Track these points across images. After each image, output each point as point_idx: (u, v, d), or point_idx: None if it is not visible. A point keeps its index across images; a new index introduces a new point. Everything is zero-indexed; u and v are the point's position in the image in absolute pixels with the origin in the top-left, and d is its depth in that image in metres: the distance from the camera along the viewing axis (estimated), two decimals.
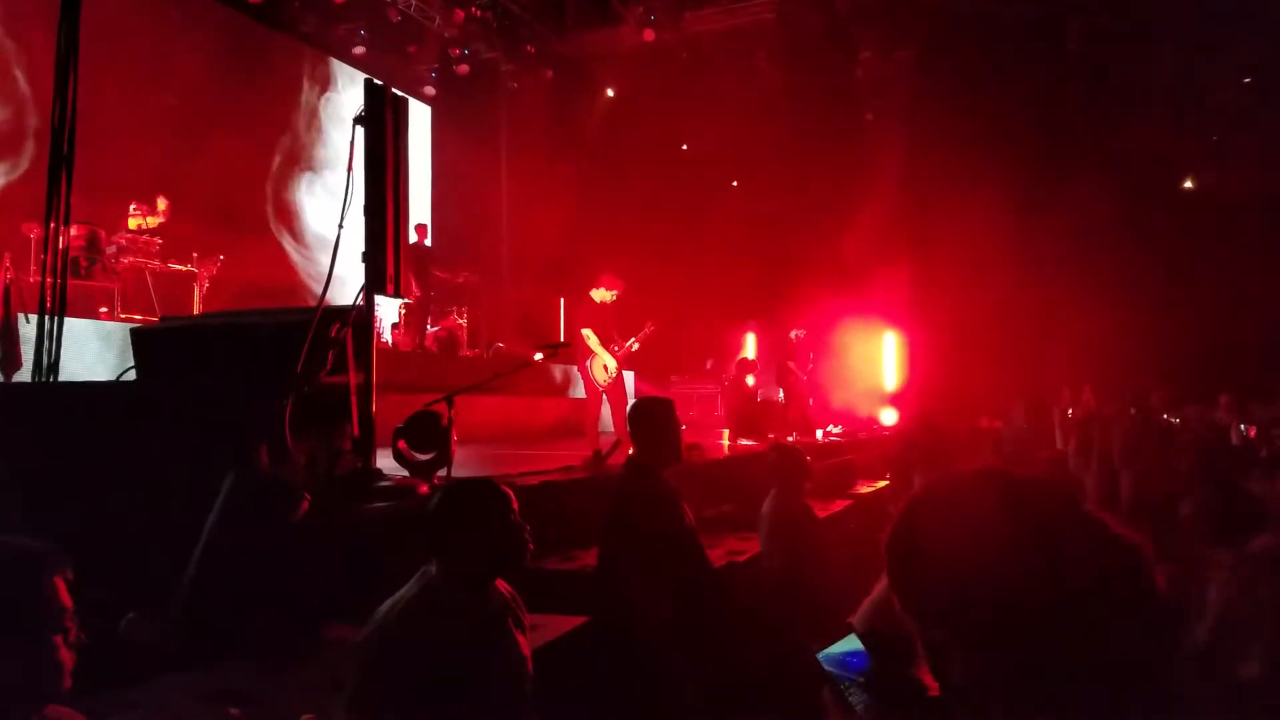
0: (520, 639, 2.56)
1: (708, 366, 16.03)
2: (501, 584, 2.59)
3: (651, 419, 3.93)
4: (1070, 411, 10.51)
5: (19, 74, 9.69)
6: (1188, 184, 17.09)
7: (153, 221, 9.41)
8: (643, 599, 3.50)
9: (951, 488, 1.10)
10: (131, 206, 9.33)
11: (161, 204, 9.53)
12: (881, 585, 1.89)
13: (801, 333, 12.49)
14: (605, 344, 7.70)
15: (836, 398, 15.37)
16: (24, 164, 9.61)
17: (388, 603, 2.43)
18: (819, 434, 12.04)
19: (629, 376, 15.60)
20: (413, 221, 9.25)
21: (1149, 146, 15.06)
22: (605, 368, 7.71)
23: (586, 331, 7.80)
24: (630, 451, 4.03)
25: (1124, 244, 15.56)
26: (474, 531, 2.44)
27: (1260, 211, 14.76)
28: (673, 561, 3.59)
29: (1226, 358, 12.99)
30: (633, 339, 7.97)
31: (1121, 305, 14.72)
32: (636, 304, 15.62)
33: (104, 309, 8.57)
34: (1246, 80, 15.36)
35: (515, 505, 2.52)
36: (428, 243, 11.59)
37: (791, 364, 12.21)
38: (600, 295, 7.85)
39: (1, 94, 9.59)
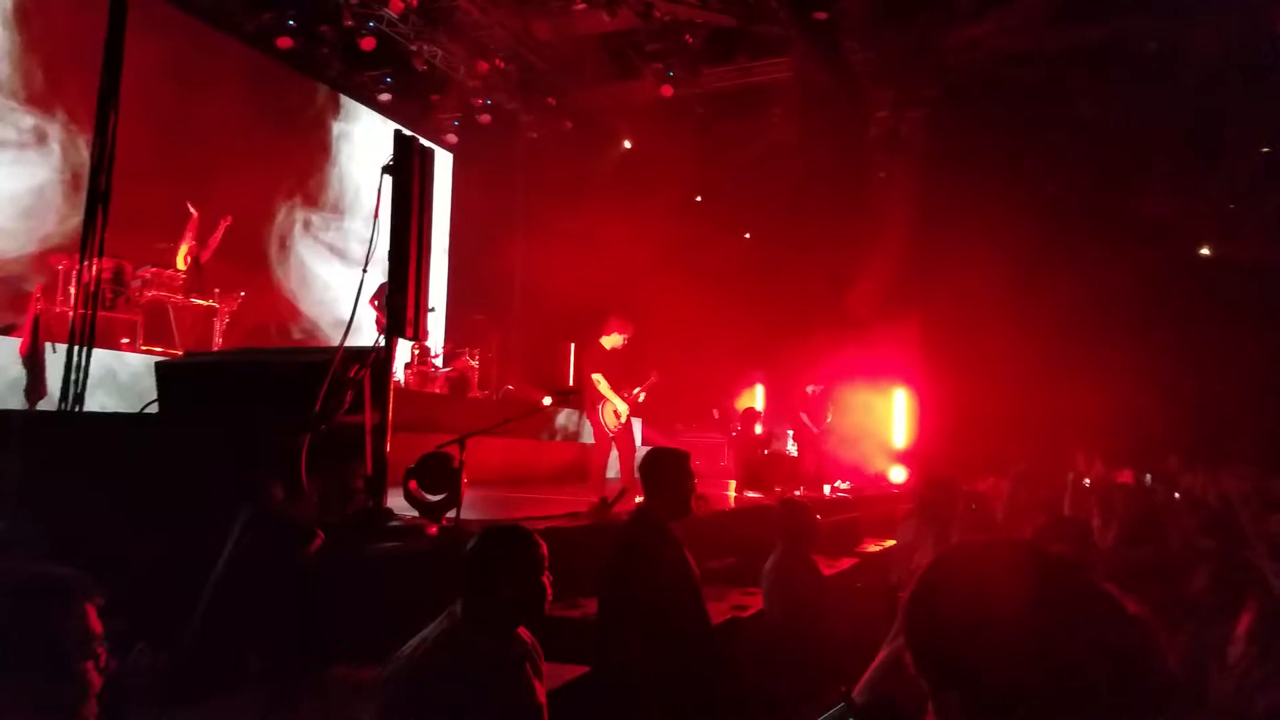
0: (538, 686, 2.60)
1: (714, 416, 16.06)
2: (523, 630, 2.65)
3: (664, 470, 3.93)
4: (1087, 480, 10.50)
5: (59, 116, 9.95)
6: (1204, 251, 17.18)
7: (196, 252, 9.71)
8: (640, 651, 3.51)
9: (977, 553, 1.14)
10: (184, 243, 9.60)
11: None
12: (885, 653, 1.93)
13: (818, 388, 12.55)
14: (616, 389, 7.70)
15: (845, 454, 15.38)
16: (57, 201, 9.85)
17: (412, 642, 2.47)
18: (826, 489, 12.03)
19: (636, 424, 15.66)
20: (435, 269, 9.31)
21: (1164, 211, 15.18)
22: (616, 413, 7.72)
23: (597, 376, 7.79)
24: (638, 501, 4.06)
25: (1137, 308, 15.64)
26: (509, 577, 2.50)
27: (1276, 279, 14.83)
28: (672, 616, 3.60)
29: (1239, 425, 12.95)
30: (638, 388, 8.01)
31: (1133, 369, 14.76)
32: (647, 351, 15.76)
33: (125, 340, 8.71)
34: (1265, 150, 15.52)
35: (546, 556, 2.59)
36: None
37: (806, 417, 12.26)
38: (610, 341, 7.88)
39: (41, 135, 9.87)
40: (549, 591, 2.58)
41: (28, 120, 9.76)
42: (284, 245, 13.16)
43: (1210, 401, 14.27)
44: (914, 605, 1.11)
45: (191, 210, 9.80)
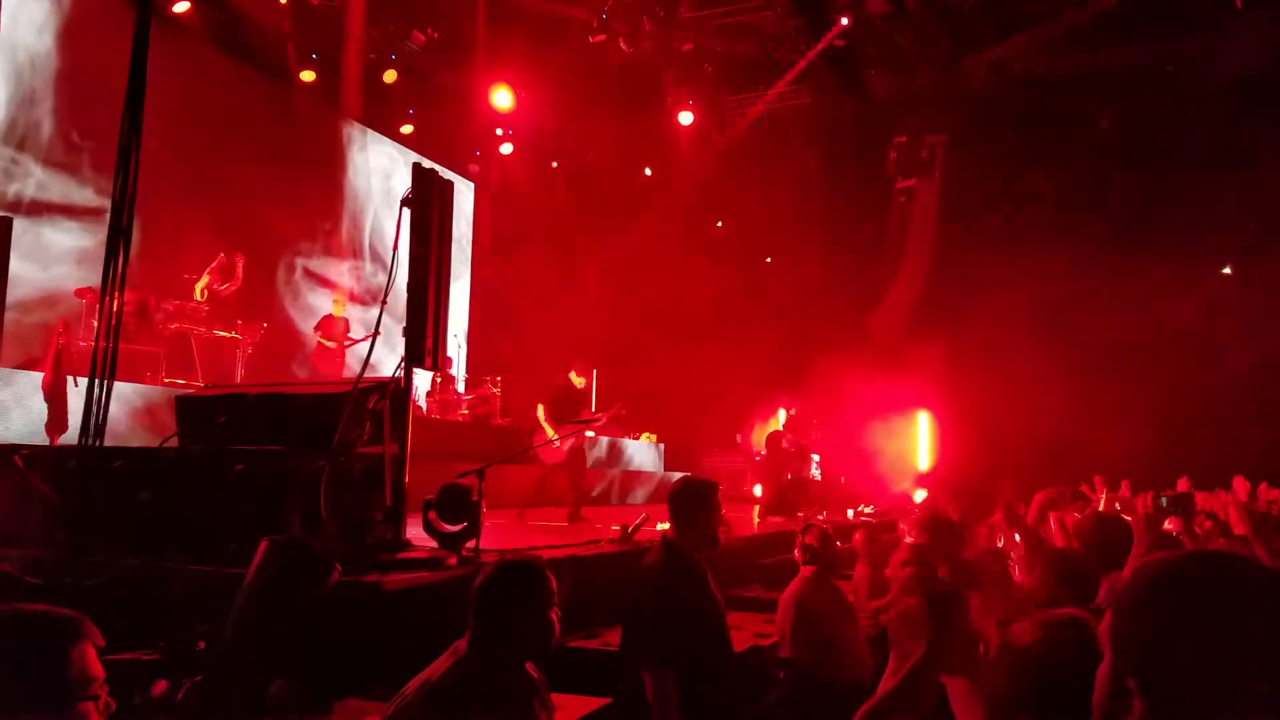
0: (543, 717, 2.57)
1: (737, 440, 15.99)
2: (530, 666, 2.62)
3: (693, 501, 3.87)
4: (1117, 504, 10.32)
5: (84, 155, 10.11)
6: (1226, 270, 16.99)
7: (216, 285, 9.85)
8: (665, 684, 3.46)
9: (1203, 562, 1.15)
10: (205, 276, 9.74)
11: (237, 272, 10.01)
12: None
13: (792, 410, 12.71)
14: (555, 421, 8.32)
15: (869, 476, 15.25)
16: (82, 234, 9.99)
17: (417, 680, 2.45)
18: (850, 513, 11.91)
19: (649, 450, 15.61)
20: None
21: (1186, 231, 15.04)
22: (552, 441, 8.33)
23: (540, 406, 8.57)
24: (664, 529, 4.02)
25: (1161, 328, 15.47)
26: (518, 612, 2.48)
27: None
28: (698, 647, 3.55)
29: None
30: (601, 416, 8.80)
31: (1155, 391, 14.58)
32: (670, 376, 15.79)
33: (148, 373, 8.80)
34: None
35: (556, 591, 2.57)
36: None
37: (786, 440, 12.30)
38: (574, 379, 8.69)
39: (67, 165, 10.01)
40: (558, 628, 2.55)
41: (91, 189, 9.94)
42: (299, 277, 13.28)
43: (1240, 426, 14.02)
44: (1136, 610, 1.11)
45: (222, 254, 9.99)
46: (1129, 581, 1.14)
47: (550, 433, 8.29)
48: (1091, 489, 10.90)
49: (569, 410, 8.40)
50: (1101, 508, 8.56)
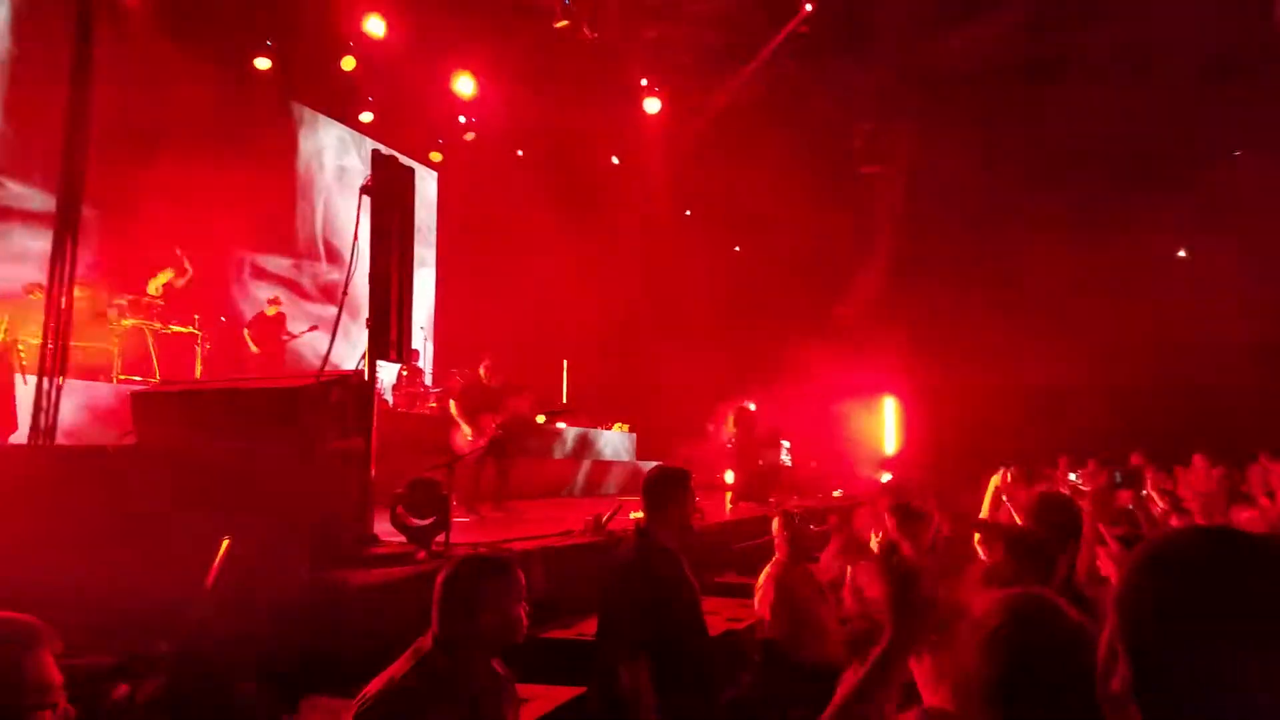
0: (511, 717, 2.51)
1: (709, 428, 16.00)
2: (496, 662, 2.55)
3: (665, 489, 3.84)
4: (1079, 481, 10.46)
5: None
6: (1181, 253, 17.25)
7: (174, 281, 9.64)
8: (640, 671, 3.42)
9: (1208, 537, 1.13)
10: (166, 270, 9.52)
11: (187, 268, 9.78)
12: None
13: (749, 405, 12.79)
14: (469, 416, 8.48)
15: (838, 461, 15.36)
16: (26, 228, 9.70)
17: (380, 680, 2.37)
18: (819, 497, 11.97)
19: (624, 444, 15.58)
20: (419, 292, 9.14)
21: (1143, 215, 15.24)
22: (466, 436, 8.43)
23: (451, 402, 8.74)
24: (634, 517, 3.98)
25: (1123, 310, 15.69)
26: (480, 610, 2.41)
27: (1248, 281, 14.91)
28: (673, 634, 3.51)
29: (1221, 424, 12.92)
30: (503, 414, 8.77)
31: (1112, 370, 14.81)
32: (637, 366, 15.74)
33: (103, 371, 8.58)
34: (1236, 153, 15.62)
35: (523, 586, 2.50)
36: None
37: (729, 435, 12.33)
38: (483, 374, 8.91)
39: (14, 158, 9.71)
40: (525, 623, 2.49)
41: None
42: (264, 269, 13.04)
43: (1194, 402, 14.26)
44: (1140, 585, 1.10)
45: (178, 252, 9.78)
46: (1134, 551, 1.15)
47: (465, 429, 8.45)
48: (1054, 468, 11.06)
49: (481, 405, 8.61)
50: (1059, 486, 8.66)
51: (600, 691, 3.68)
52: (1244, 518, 5.35)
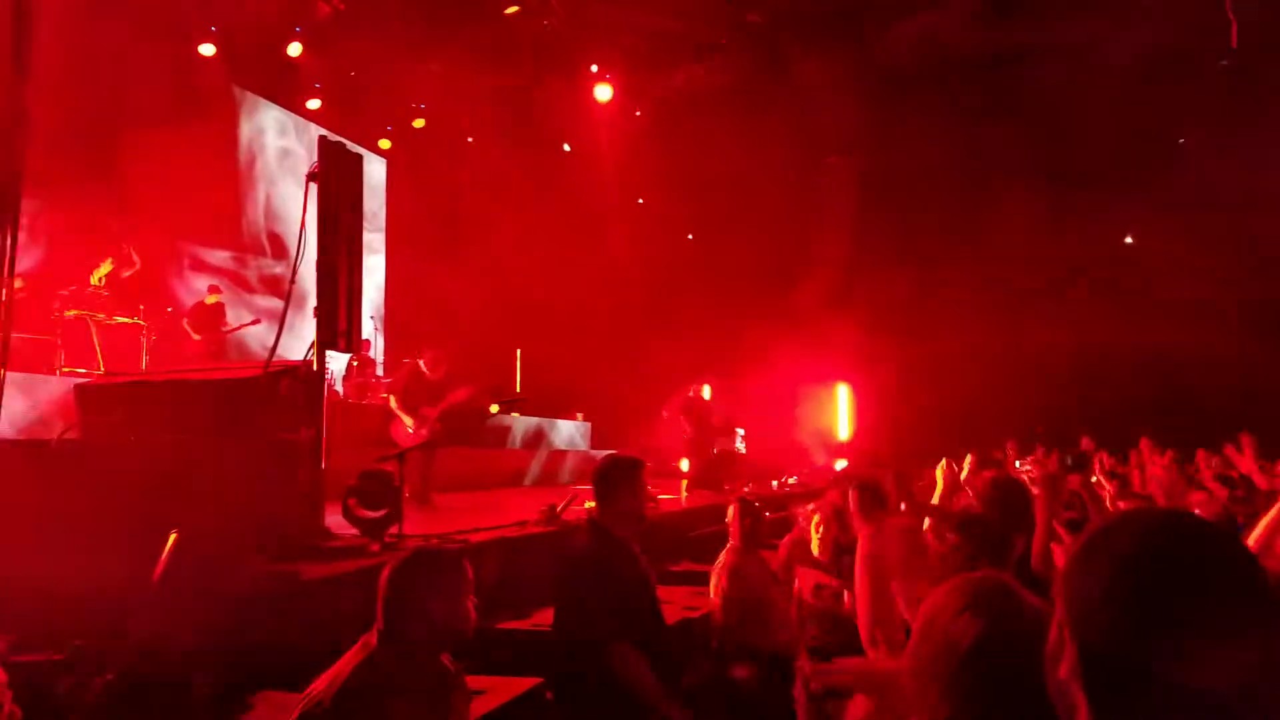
0: (462, 711, 2.50)
1: (664, 417, 16.06)
2: (445, 657, 2.54)
3: (616, 479, 3.78)
4: (1026, 465, 10.66)
5: None
6: (1128, 239, 17.68)
7: (119, 272, 9.42)
8: (626, 655, 3.43)
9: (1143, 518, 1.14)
10: (108, 261, 9.28)
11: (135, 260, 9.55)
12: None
13: (699, 387, 12.77)
14: (408, 408, 8.37)
15: (792, 448, 15.51)
16: None
17: (325, 677, 2.34)
18: (774, 484, 12.08)
19: (576, 429, 15.58)
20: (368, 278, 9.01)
21: (1092, 202, 15.58)
22: (407, 428, 8.34)
23: (388, 395, 8.62)
24: (588, 506, 3.97)
25: (1073, 297, 16.06)
26: (428, 604, 2.38)
27: (1196, 265, 15.31)
28: (629, 623, 3.52)
29: (1167, 410, 13.29)
30: (445, 404, 8.64)
31: (1063, 356, 15.16)
32: (591, 355, 15.73)
33: (46, 363, 8.36)
34: (1180, 140, 16.02)
35: (471, 579, 2.48)
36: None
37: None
38: (424, 367, 8.67)
39: None
40: (473, 616, 2.48)
41: None
42: (212, 257, 12.79)
43: (1140, 387, 14.67)
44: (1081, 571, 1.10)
45: (127, 248, 9.55)
46: (1079, 536, 1.15)
47: (407, 421, 8.37)
48: (1004, 454, 11.28)
49: (420, 398, 8.53)
50: (1008, 470, 8.83)
51: (560, 680, 3.68)
52: (1195, 499, 5.49)
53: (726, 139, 14.82)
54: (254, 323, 10.97)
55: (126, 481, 4.10)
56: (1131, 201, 15.75)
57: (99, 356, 8.82)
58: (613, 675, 3.36)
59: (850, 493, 4.64)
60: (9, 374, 4.43)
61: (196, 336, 10.34)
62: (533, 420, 14.05)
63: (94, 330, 8.94)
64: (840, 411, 17.26)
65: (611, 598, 3.51)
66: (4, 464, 4.27)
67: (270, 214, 13.93)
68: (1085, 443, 11.30)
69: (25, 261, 8.01)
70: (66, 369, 8.42)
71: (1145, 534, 1.08)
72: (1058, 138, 15.16)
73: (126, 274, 9.59)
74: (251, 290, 13.24)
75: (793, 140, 16.13)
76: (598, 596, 3.50)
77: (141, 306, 9.70)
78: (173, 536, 3.66)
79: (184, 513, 3.91)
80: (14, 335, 4.74)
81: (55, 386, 7.40)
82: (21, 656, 3.17)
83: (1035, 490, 3.72)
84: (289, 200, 13.85)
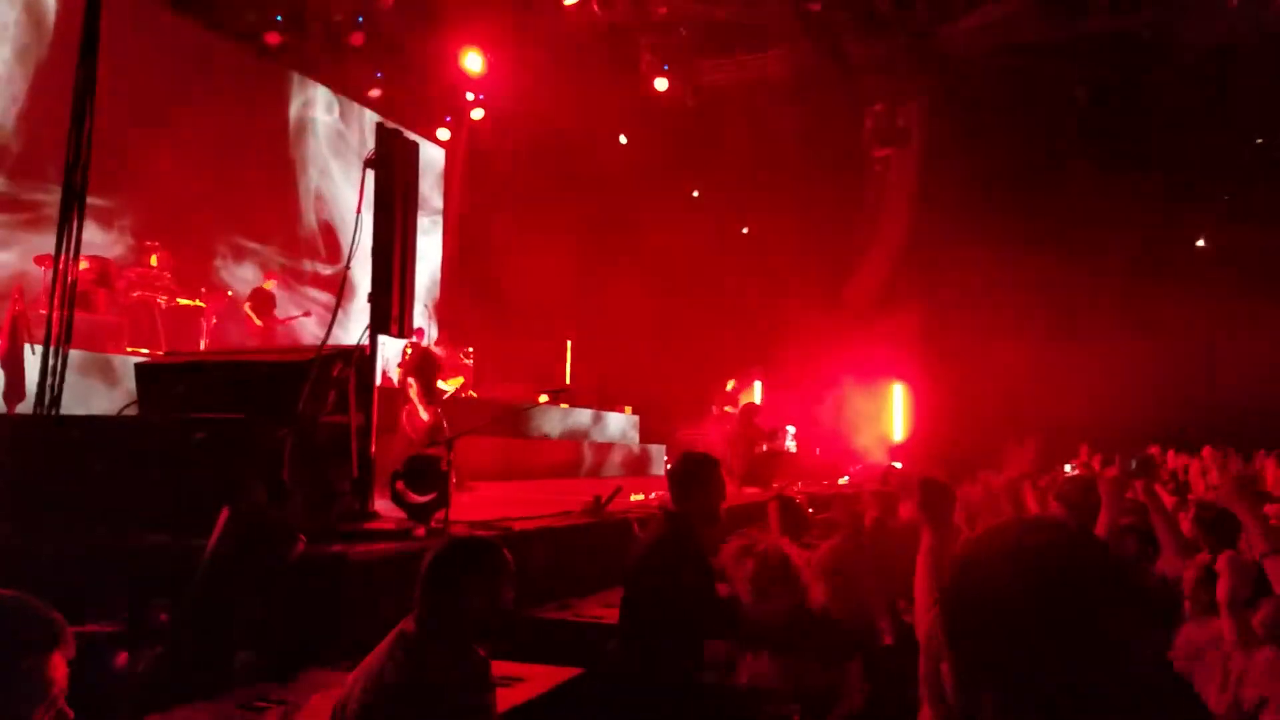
0: (492, 702, 2.50)
1: (714, 411, 15.99)
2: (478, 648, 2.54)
3: (700, 476, 3.85)
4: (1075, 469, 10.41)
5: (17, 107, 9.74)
6: (1200, 243, 17.09)
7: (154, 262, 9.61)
8: (662, 653, 3.46)
9: (1012, 534, 1.17)
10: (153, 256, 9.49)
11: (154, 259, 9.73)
12: None
13: (734, 382, 12.64)
14: (425, 398, 8.14)
15: (843, 447, 15.31)
16: (39, 197, 9.70)
17: (363, 669, 2.35)
18: (824, 483, 11.96)
19: (624, 421, 15.57)
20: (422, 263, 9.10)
21: (1162, 203, 15.10)
22: (421, 417, 8.10)
23: (410, 380, 8.31)
24: (653, 497, 4.00)
25: (1136, 300, 15.58)
26: (466, 594, 2.38)
27: (1272, 268, 14.78)
28: (697, 618, 3.54)
29: (1239, 414, 12.86)
30: (448, 391, 8.76)
31: (1130, 360, 14.71)
32: (642, 348, 15.70)
33: (111, 342, 8.61)
34: (1259, 141, 15.44)
35: (512, 570, 2.47)
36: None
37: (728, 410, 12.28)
38: (440, 352, 8.69)
39: (21, 128, 9.68)
40: (511, 608, 2.46)
41: None
42: (273, 244, 13.02)
43: (1215, 392, 14.22)
44: (957, 592, 1.15)
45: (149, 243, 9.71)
46: (963, 543, 1.22)
47: (421, 409, 8.20)
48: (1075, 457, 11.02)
49: (433, 384, 8.46)
50: (1072, 473, 8.62)
51: (621, 671, 3.69)
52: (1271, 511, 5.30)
53: (783, 130, 14.68)
54: (304, 315, 11.15)
55: (181, 457, 4.20)
56: (1206, 202, 15.24)
57: (161, 337, 9.05)
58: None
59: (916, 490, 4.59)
60: (74, 351, 4.56)
61: (259, 321, 10.55)
62: (581, 412, 14.07)
63: (156, 312, 9.18)
64: (895, 411, 16.99)
65: (705, 586, 3.58)
66: (67, 438, 4.39)
67: (321, 204, 14.08)
68: (1152, 449, 11.01)
69: (94, 247, 8.26)
70: (130, 348, 8.66)
71: (1001, 545, 1.13)
72: (1128, 131, 14.70)
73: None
74: (304, 282, 13.43)
75: (851, 131, 15.92)
76: (673, 588, 3.53)
77: (203, 289, 9.92)
78: (225, 513, 3.73)
79: (236, 490, 3.99)
80: (80, 316, 4.88)
81: (119, 365, 7.62)
82: (75, 627, 3.27)
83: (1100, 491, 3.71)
84: (344, 190, 14.05)
